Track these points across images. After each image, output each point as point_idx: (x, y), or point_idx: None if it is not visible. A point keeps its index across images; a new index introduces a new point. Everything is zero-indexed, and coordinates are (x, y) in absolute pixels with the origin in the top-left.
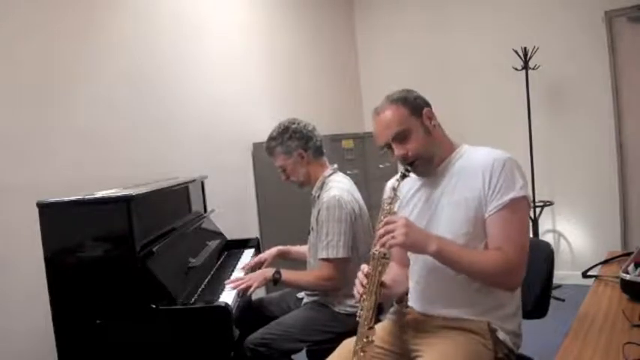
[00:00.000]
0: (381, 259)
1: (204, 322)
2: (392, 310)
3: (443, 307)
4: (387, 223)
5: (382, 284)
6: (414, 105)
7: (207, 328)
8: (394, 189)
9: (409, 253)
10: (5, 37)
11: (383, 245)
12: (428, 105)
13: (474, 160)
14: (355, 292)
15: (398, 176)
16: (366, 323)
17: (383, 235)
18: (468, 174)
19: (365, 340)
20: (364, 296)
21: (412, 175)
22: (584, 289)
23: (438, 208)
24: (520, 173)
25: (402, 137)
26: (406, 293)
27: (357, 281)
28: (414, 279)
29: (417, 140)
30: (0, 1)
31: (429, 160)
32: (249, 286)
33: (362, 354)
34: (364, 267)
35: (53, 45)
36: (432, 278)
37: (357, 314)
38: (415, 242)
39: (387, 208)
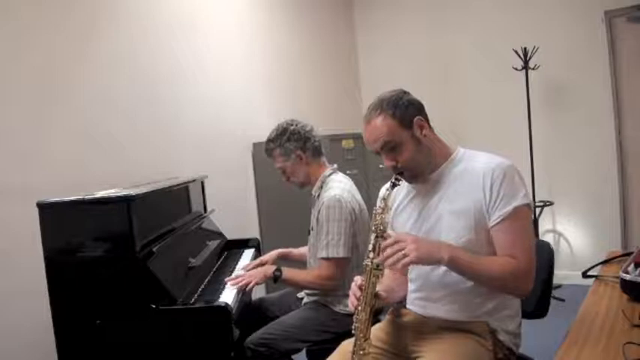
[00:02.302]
0: (374, 270)
1: (205, 322)
2: (390, 309)
3: (443, 310)
4: (395, 243)
5: (376, 295)
6: (405, 115)
7: (208, 328)
8: (384, 199)
9: None
10: (6, 37)
11: (392, 264)
12: (420, 111)
13: (474, 167)
14: (349, 304)
15: (388, 185)
16: (361, 335)
17: (392, 255)
18: (468, 181)
19: (362, 352)
20: (359, 308)
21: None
22: (584, 289)
23: (437, 216)
24: (521, 180)
25: (390, 148)
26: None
27: (350, 293)
28: (413, 282)
29: (406, 152)
30: (1, 1)
31: (419, 170)
32: (249, 283)
33: None
34: (357, 279)
35: (53, 45)
36: (431, 281)
37: (353, 327)
38: (429, 255)
39: (379, 219)
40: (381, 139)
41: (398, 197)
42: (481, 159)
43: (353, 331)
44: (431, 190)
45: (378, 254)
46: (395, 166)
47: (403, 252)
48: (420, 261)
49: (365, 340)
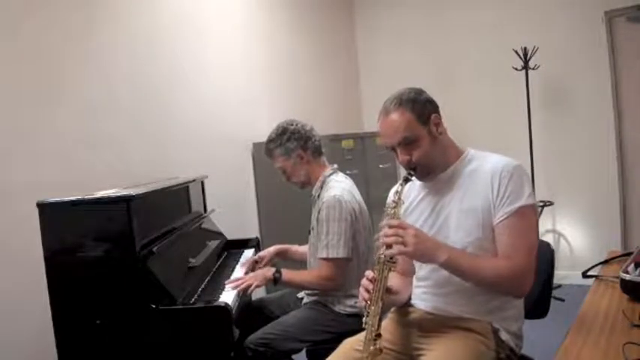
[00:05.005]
0: (388, 262)
1: (205, 322)
2: (394, 308)
3: (449, 305)
4: (398, 227)
5: (389, 290)
6: (423, 111)
7: (207, 328)
8: (397, 192)
9: None
10: (6, 37)
11: (390, 246)
12: (436, 109)
13: (483, 167)
14: (360, 298)
15: (401, 180)
16: (373, 330)
17: (390, 236)
18: (477, 181)
19: (372, 348)
20: (369, 302)
21: (417, 181)
22: (584, 289)
23: (447, 215)
24: (528, 181)
25: (407, 143)
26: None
27: (361, 289)
28: (421, 279)
29: (422, 147)
30: (1, 1)
31: (432, 167)
32: (250, 285)
33: None
34: (369, 273)
35: (54, 45)
36: (440, 276)
37: (364, 321)
38: (424, 253)
39: (391, 212)
40: (399, 133)
41: (408, 198)
42: (490, 159)
43: (364, 325)
44: (442, 189)
45: (391, 246)
46: (409, 160)
47: (402, 240)
48: (414, 256)
49: (376, 336)
